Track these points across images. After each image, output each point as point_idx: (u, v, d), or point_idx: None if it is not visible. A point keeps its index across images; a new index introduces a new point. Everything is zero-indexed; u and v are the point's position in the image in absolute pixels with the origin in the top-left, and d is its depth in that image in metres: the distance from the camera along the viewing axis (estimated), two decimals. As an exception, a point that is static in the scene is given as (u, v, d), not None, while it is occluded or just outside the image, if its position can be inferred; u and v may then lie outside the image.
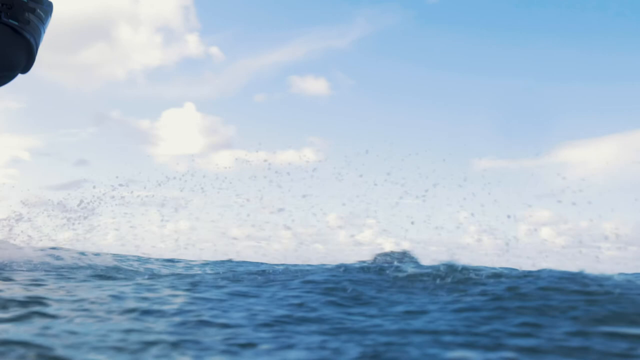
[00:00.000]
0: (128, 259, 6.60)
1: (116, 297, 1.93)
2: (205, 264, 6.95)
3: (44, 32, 4.06)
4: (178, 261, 7.35)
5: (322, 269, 3.96)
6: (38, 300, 1.92)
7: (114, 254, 6.18)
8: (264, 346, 1.37)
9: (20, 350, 1.27)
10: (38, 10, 3.96)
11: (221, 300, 2.13)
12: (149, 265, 6.07)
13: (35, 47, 3.98)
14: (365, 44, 21.71)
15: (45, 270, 4.09)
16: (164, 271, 4.84)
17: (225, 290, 2.25)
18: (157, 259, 7.27)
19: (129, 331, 1.55)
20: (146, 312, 1.78)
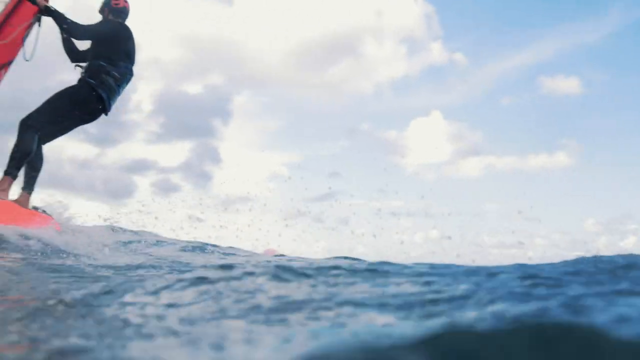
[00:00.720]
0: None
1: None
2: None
3: (121, 90, 5.29)
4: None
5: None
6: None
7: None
8: None
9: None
10: (113, 72, 5.12)
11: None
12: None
13: (107, 100, 5.17)
14: (621, 37, 19.52)
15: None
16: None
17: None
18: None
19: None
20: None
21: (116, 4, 5.33)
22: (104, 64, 5.13)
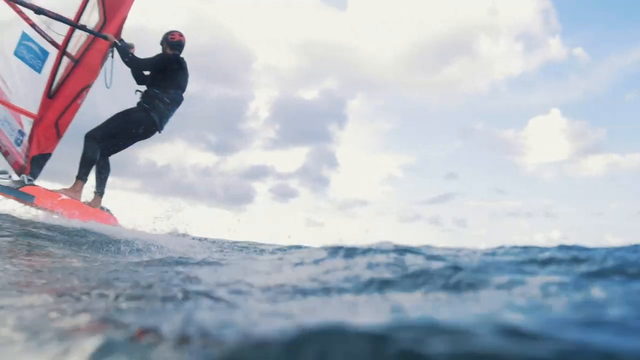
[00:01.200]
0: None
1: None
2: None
3: (172, 113, 6.28)
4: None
5: None
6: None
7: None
8: None
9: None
10: (165, 99, 6.13)
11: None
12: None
13: (159, 122, 6.19)
14: None
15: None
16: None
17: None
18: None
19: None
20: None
21: (172, 38, 6.28)
22: (157, 91, 6.12)
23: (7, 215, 5.56)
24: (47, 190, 6.00)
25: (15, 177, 6.10)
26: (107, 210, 6.41)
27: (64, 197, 5.95)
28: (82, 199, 6.19)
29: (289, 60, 29.29)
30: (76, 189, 6.11)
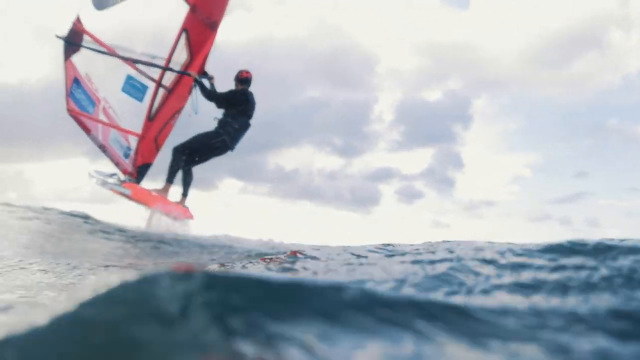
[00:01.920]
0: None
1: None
2: None
3: (241, 136, 7.66)
4: None
5: None
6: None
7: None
8: None
9: None
10: (235, 125, 7.53)
11: None
12: None
13: (230, 143, 7.60)
14: None
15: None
16: None
17: None
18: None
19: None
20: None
21: (241, 76, 7.55)
22: (229, 119, 7.46)
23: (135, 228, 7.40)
24: (141, 187, 7.77)
25: (122, 177, 7.93)
26: (187, 208, 8.05)
27: (154, 194, 7.67)
28: (172, 199, 7.87)
29: (411, 62, 28.80)
30: (164, 188, 7.78)
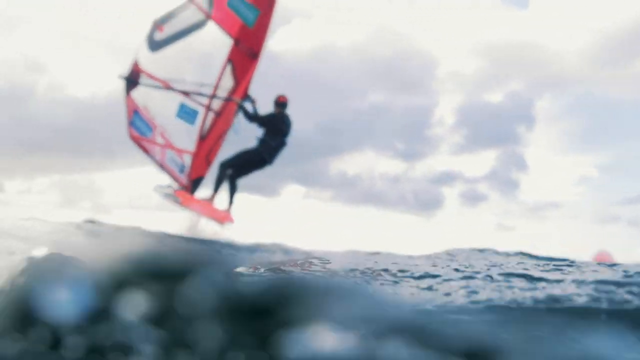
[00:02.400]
0: None
1: None
2: None
3: (278, 154, 8.68)
4: None
5: None
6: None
7: None
8: None
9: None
10: (272, 144, 8.57)
11: None
12: None
13: (269, 159, 8.67)
14: None
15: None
16: None
17: None
18: None
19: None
20: None
21: (278, 100, 8.55)
22: (267, 139, 8.48)
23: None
24: (190, 196, 8.91)
25: (176, 187, 9.10)
26: (230, 213, 9.12)
27: (201, 201, 8.79)
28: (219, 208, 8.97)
29: (471, 64, 28.78)
30: (211, 197, 8.88)
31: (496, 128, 25.62)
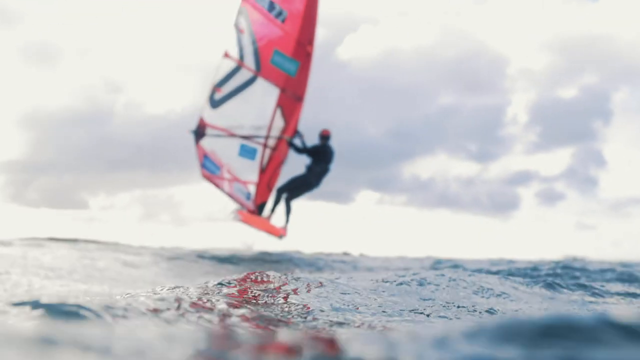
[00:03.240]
0: None
1: None
2: None
3: (323, 178, 10.44)
4: None
5: None
6: None
7: None
8: None
9: None
10: (317, 170, 10.28)
11: None
12: None
13: (316, 182, 10.48)
14: None
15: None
16: None
17: None
18: None
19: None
20: None
21: (322, 133, 10.21)
22: (313, 166, 10.18)
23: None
24: (249, 214, 10.76)
25: (241, 208, 11.00)
26: (285, 229, 10.87)
27: (260, 219, 10.63)
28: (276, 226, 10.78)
29: (542, 60, 28.07)
30: (269, 217, 10.69)
31: (571, 124, 24.89)
